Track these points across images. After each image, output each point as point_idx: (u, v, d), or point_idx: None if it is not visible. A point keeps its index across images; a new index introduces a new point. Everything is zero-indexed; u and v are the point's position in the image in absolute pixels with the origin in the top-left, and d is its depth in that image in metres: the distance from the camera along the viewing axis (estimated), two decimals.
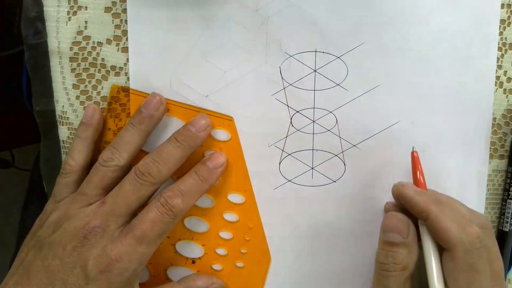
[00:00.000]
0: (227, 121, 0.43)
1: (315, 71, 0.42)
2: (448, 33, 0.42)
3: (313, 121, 0.43)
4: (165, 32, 0.43)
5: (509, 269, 0.47)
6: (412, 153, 0.41)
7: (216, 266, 0.46)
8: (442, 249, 0.37)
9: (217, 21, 0.42)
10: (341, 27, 0.42)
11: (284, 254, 0.46)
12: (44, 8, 0.44)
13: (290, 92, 0.43)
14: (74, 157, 0.44)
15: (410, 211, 0.39)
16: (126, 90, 0.45)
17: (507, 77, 0.44)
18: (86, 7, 0.44)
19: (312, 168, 0.44)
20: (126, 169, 0.43)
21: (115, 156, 0.42)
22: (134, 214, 0.41)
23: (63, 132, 0.46)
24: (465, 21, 0.42)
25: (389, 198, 0.44)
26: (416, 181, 0.40)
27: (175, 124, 0.44)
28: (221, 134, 0.44)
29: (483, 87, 0.42)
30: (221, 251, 0.46)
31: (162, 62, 0.44)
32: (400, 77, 0.43)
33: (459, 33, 0.42)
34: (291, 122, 0.43)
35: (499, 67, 0.44)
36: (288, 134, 0.43)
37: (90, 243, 0.39)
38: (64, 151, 0.47)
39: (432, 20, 0.42)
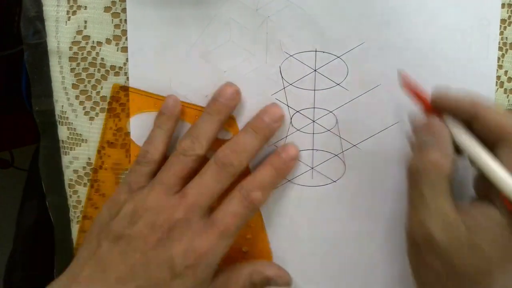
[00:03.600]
0: (229, 119, 0.44)
1: (315, 70, 0.43)
2: (449, 33, 0.43)
3: (313, 121, 0.44)
4: (165, 32, 0.44)
5: None
6: (402, 76, 0.40)
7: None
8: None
9: (216, 21, 0.43)
10: (341, 27, 0.43)
11: (285, 254, 0.46)
12: (44, 8, 0.44)
13: (290, 92, 0.44)
14: (157, 146, 0.43)
15: (452, 113, 0.38)
16: (126, 89, 0.45)
17: (507, 76, 0.45)
18: (85, 6, 0.44)
19: (312, 168, 0.45)
20: (203, 159, 0.43)
21: (196, 145, 0.41)
22: (214, 205, 0.42)
23: (63, 132, 0.47)
24: (465, 21, 0.43)
25: (390, 199, 0.45)
26: (425, 103, 0.39)
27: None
28: (223, 133, 0.45)
29: (483, 87, 0.43)
30: None
31: (161, 62, 0.44)
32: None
33: (460, 33, 0.43)
34: (291, 122, 0.44)
35: (500, 66, 0.44)
36: (288, 134, 0.44)
37: (174, 237, 0.39)
38: (63, 151, 0.47)
39: (433, 20, 0.43)
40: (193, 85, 0.45)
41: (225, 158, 0.40)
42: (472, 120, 0.37)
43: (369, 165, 0.45)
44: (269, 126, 0.42)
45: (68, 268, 0.41)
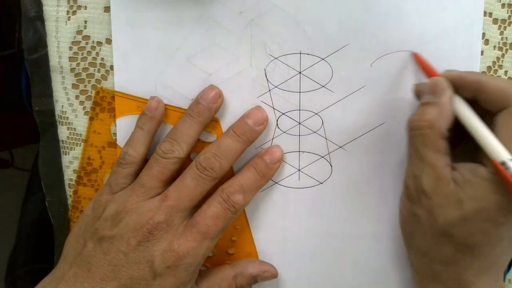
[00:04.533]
0: (213, 122, 0.54)
1: (300, 73, 0.54)
2: (433, 33, 0.53)
3: (299, 123, 0.55)
4: (150, 35, 0.54)
5: (508, 270, 0.57)
6: (414, 54, 0.53)
7: (203, 268, 0.57)
8: (491, 116, 0.47)
9: (201, 24, 0.53)
10: (325, 29, 0.53)
11: (271, 256, 0.58)
12: (44, 8, 0.55)
13: (275, 94, 0.54)
14: (136, 148, 0.53)
15: (458, 90, 0.48)
16: (111, 93, 0.56)
17: (507, 76, 0.55)
18: (85, 6, 0.55)
19: (299, 170, 0.56)
20: (184, 162, 0.53)
21: (175, 148, 0.52)
22: (195, 208, 0.51)
23: (63, 132, 0.57)
24: (449, 21, 0.53)
25: (376, 200, 0.56)
26: (433, 73, 0.50)
27: (161, 126, 0.55)
28: (206, 135, 0.56)
29: None
30: None
31: (146, 66, 0.55)
32: (385, 78, 0.53)
33: (443, 34, 0.53)
34: (277, 124, 0.55)
35: (500, 66, 0.54)
36: (274, 136, 0.55)
37: (155, 239, 0.49)
38: (63, 151, 0.58)
39: (416, 22, 0.53)
40: (178, 88, 0.55)
41: (206, 161, 0.51)
42: (477, 93, 0.47)
43: (355, 167, 0.55)
44: (252, 129, 0.52)
45: (57, 266, 0.53)
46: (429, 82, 0.49)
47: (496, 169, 0.44)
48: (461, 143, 0.50)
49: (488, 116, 0.48)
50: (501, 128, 0.46)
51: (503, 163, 0.43)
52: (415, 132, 0.48)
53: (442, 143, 0.47)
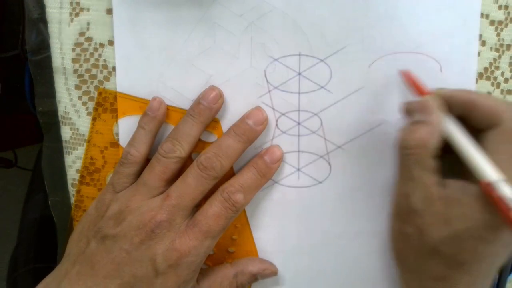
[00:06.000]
0: (213, 122, 0.55)
1: (299, 74, 0.54)
2: (429, 36, 0.54)
3: (298, 123, 0.55)
4: (151, 37, 0.55)
5: (510, 273, 0.57)
6: (401, 72, 0.53)
7: (204, 266, 0.57)
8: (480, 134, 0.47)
9: (201, 25, 0.54)
10: (324, 30, 0.53)
11: (271, 255, 0.58)
12: (47, 10, 0.56)
13: (275, 95, 0.55)
14: (138, 148, 0.54)
15: (449, 108, 0.48)
16: (113, 94, 0.56)
17: (504, 77, 0.55)
18: (88, 8, 0.55)
19: (298, 170, 0.56)
20: (185, 161, 0.54)
21: (177, 147, 0.53)
22: (196, 207, 0.52)
23: (66, 133, 0.58)
24: (446, 23, 0.53)
25: (374, 199, 0.56)
26: (423, 91, 0.50)
27: (163, 127, 0.56)
28: (207, 135, 0.56)
29: (464, 87, 0.52)
30: None
31: (148, 67, 0.55)
32: (383, 79, 0.54)
33: (440, 36, 0.53)
34: (276, 124, 0.56)
35: (497, 68, 0.55)
36: (274, 136, 0.56)
37: (158, 237, 0.50)
38: (66, 151, 0.59)
39: (414, 23, 0.53)
40: (179, 89, 0.56)
41: (207, 161, 0.51)
42: (467, 111, 0.47)
43: (354, 166, 0.56)
44: (252, 129, 0.53)
45: (60, 264, 0.53)
46: (419, 101, 0.49)
47: (484, 190, 0.44)
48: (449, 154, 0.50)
49: (477, 133, 0.48)
50: (490, 147, 0.46)
51: (491, 184, 0.43)
52: (406, 151, 0.48)
53: (432, 162, 0.47)
